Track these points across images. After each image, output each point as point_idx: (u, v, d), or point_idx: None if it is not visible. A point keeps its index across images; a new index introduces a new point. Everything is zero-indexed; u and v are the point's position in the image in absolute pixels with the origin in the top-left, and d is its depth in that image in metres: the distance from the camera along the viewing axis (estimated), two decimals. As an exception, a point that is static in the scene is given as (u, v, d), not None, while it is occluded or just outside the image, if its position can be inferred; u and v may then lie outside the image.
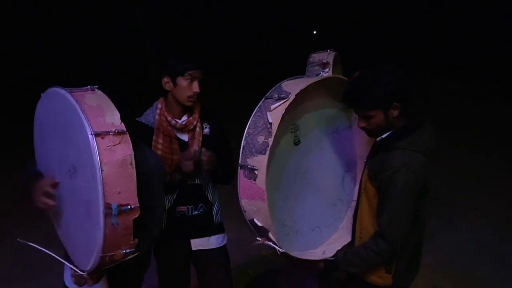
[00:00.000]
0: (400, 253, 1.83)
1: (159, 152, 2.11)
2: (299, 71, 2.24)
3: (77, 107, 1.47)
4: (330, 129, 2.06)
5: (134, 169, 1.48)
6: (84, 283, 1.70)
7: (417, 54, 13.51)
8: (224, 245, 2.36)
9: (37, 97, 1.76)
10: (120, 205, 1.45)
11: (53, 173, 1.72)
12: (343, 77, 1.98)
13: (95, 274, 1.67)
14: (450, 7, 15.15)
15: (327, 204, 2.12)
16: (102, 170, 1.41)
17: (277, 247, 1.79)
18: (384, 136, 1.82)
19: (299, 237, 1.99)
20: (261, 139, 1.69)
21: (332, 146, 2.09)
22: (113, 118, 1.51)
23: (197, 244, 2.28)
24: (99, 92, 1.58)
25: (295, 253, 1.90)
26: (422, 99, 8.47)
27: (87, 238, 1.58)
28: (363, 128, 1.83)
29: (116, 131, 1.48)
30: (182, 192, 2.21)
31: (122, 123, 1.51)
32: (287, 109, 1.70)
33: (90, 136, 1.43)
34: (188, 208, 2.23)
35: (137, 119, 2.17)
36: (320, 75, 1.93)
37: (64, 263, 1.95)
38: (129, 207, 1.47)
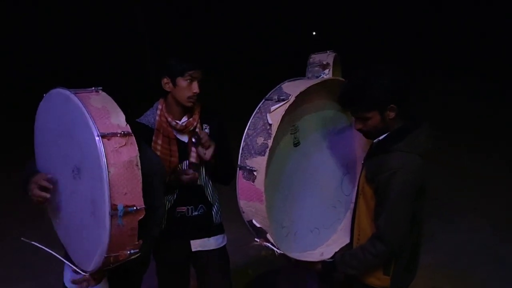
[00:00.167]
0: (398, 255, 1.83)
1: (158, 153, 2.10)
2: (299, 71, 2.25)
3: (83, 109, 1.47)
4: (330, 131, 2.06)
5: (140, 171, 1.49)
6: (87, 285, 1.70)
7: (417, 54, 13.51)
8: (224, 246, 2.36)
9: (37, 97, 1.76)
10: (126, 206, 1.45)
11: (54, 174, 1.72)
12: (343, 79, 1.98)
13: (97, 274, 1.67)
14: (450, 7, 15.15)
15: (326, 205, 2.12)
16: (109, 172, 1.42)
17: (275, 248, 1.79)
18: (381, 138, 1.82)
19: (297, 238, 1.99)
20: (260, 140, 1.70)
21: (332, 148, 2.09)
22: (119, 119, 1.51)
23: (197, 245, 2.28)
24: (103, 93, 1.58)
25: (293, 254, 1.90)
26: (422, 99, 8.47)
27: (91, 238, 1.58)
28: (360, 130, 1.83)
29: (122, 132, 1.48)
30: (182, 193, 2.21)
31: (128, 125, 1.52)
32: (287, 111, 1.70)
33: (96, 138, 1.43)
34: (188, 209, 2.23)
35: (137, 119, 2.17)
36: (321, 76, 1.93)
37: (63, 263, 1.96)
38: (134, 208, 1.47)
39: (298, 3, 17.77)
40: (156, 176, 1.83)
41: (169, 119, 2.14)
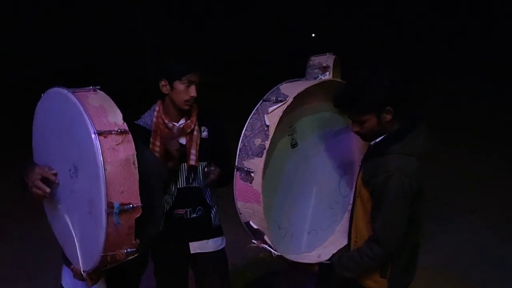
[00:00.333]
0: (395, 257, 1.82)
1: (156, 154, 2.10)
2: (300, 71, 2.24)
3: (80, 107, 1.48)
4: (328, 132, 2.06)
5: (137, 169, 1.49)
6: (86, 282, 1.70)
7: (417, 54, 13.51)
8: (223, 248, 2.36)
9: (37, 97, 1.76)
10: (122, 204, 1.45)
11: None
12: (341, 81, 1.97)
13: (94, 274, 1.67)
14: (450, 7, 15.14)
15: (324, 206, 2.11)
16: (105, 170, 1.42)
17: (272, 250, 1.79)
18: (377, 140, 1.81)
19: (294, 240, 1.99)
20: (258, 141, 1.69)
21: (330, 149, 2.08)
22: (116, 118, 1.52)
23: (195, 247, 2.28)
24: (101, 92, 1.59)
25: (290, 256, 1.90)
26: (422, 99, 8.47)
27: (88, 237, 1.57)
28: (356, 133, 1.82)
29: (119, 130, 1.49)
30: (181, 195, 2.21)
31: (125, 123, 1.52)
32: (284, 112, 1.69)
33: (93, 135, 1.44)
34: (186, 211, 2.23)
35: (135, 122, 2.17)
36: (319, 78, 1.93)
37: (62, 264, 1.96)
38: (131, 206, 1.47)
39: (298, 3, 17.77)
40: (154, 176, 1.83)
41: (166, 121, 2.14)
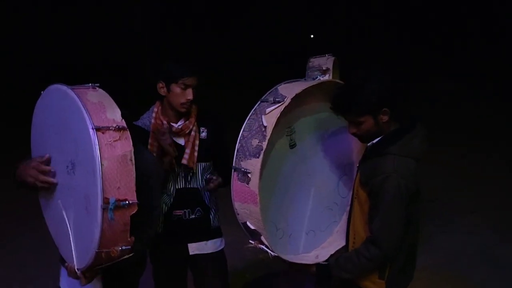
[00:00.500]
0: (392, 259, 1.82)
1: (154, 155, 2.10)
2: (300, 71, 2.24)
3: (79, 103, 1.49)
4: (327, 133, 2.06)
5: (134, 166, 1.49)
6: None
7: (417, 54, 13.50)
8: (222, 249, 2.36)
9: (37, 97, 1.77)
10: (118, 200, 1.45)
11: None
12: (340, 81, 1.97)
13: (89, 272, 1.65)
14: (449, 6, 15.13)
15: (322, 207, 2.11)
16: (102, 165, 1.42)
17: (269, 251, 1.79)
18: (375, 141, 1.81)
19: (292, 240, 1.99)
20: (255, 142, 1.70)
21: (329, 150, 2.08)
22: (114, 114, 1.53)
23: (194, 248, 2.27)
24: (101, 90, 1.60)
25: (288, 257, 1.90)
26: (422, 99, 8.46)
27: (84, 233, 1.57)
28: (354, 134, 1.83)
29: (117, 126, 1.49)
30: (179, 196, 2.21)
31: (123, 120, 1.52)
32: (282, 113, 1.70)
33: (91, 130, 1.44)
34: (185, 212, 2.22)
35: (134, 122, 2.17)
36: (318, 78, 1.93)
37: (60, 266, 1.95)
38: (127, 202, 1.47)
39: (297, 3, 17.77)
40: (152, 176, 1.84)
41: (165, 121, 2.13)
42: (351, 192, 2.14)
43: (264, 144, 1.67)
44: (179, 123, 2.17)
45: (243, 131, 1.76)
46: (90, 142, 1.44)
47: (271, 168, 1.79)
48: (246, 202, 1.73)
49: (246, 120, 1.78)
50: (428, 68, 11.97)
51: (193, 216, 2.24)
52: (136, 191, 1.51)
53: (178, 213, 2.22)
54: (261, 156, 1.66)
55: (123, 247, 1.54)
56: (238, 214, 1.81)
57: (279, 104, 1.70)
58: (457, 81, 10.52)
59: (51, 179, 1.67)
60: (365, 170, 1.81)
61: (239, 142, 1.76)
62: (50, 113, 1.70)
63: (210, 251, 2.30)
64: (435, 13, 15.74)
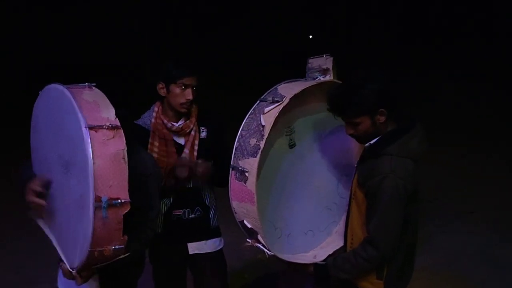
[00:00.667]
0: (390, 259, 1.82)
1: (154, 155, 2.11)
2: (300, 71, 2.23)
3: (73, 101, 1.50)
4: (327, 133, 2.06)
5: (127, 164, 1.49)
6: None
7: (417, 55, 13.49)
8: (221, 249, 2.36)
9: (36, 97, 1.77)
10: (110, 199, 1.45)
11: (47, 171, 1.72)
12: (340, 81, 1.97)
13: (84, 272, 1.65)
14: (449, 6, 15.13)
15: (321, 207, 2.11)
16: (94, 163, 1.42)
17: (266, 250, 1.79)
18: (372, 142, 1.80)
19: (290, 240, 1.98)
20: (253, 141, 1.70)
21: (329, 150, 2.08)
22: (109, 113, 1.53)
23: (193, 247, 2.28)
24: (97, 89, 1.61)
25: (286, 256, 1.90)
26: (423, 99, 8.46)
27: (78, 234, 1.56)
28: (351, 135, 1.82)
29: (110, 125, 1.50)
30: (179, 196, 2.21)
31: (117, 119, 1.53)
32: (280, 112, 1.69)
33: (84, 129, 1.45)
34: (184, 212, 2.22)
35: (134, 121, 2.17)
36: (317, 78, 1.93)
37: (58, 268, 1.94)
38: (119, 201, 1.47)
39: (297, 4, 17.78)
40: (150, 176, 1.84)
41: (165, 121, 2.14)
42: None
43: (262, 144, 1.67)
44: (180, 122, 2.17)
45: (242, 130, 1.76)
46: (82, 141, 1.44)
47: (270, 167, 1.79)
48: (243, 201, 1.73)
49: (245, 120, 1.78)
50: (428, 68, 11.96)
51: (193, 216, 2.24)
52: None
53: (178, 213, 2.23)
54: (259, 155, 1.66)
55: (117, 247, 1.53)
56: (235, 213, 1.81)
57: (278, 103, 1.70)
58: (457, 81, 10.51)
59: (40, 201, 1.67)
60: (363, 171, 1.80)
61: (237, 141, 1.76)
62: (47, 113, 1.71)
63: (210, 251, 2.30)
64: (435, 13, 15.74)
